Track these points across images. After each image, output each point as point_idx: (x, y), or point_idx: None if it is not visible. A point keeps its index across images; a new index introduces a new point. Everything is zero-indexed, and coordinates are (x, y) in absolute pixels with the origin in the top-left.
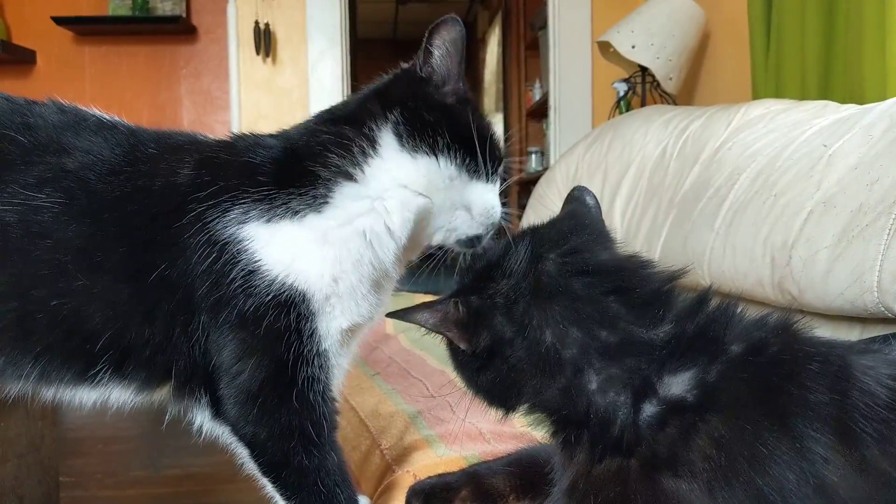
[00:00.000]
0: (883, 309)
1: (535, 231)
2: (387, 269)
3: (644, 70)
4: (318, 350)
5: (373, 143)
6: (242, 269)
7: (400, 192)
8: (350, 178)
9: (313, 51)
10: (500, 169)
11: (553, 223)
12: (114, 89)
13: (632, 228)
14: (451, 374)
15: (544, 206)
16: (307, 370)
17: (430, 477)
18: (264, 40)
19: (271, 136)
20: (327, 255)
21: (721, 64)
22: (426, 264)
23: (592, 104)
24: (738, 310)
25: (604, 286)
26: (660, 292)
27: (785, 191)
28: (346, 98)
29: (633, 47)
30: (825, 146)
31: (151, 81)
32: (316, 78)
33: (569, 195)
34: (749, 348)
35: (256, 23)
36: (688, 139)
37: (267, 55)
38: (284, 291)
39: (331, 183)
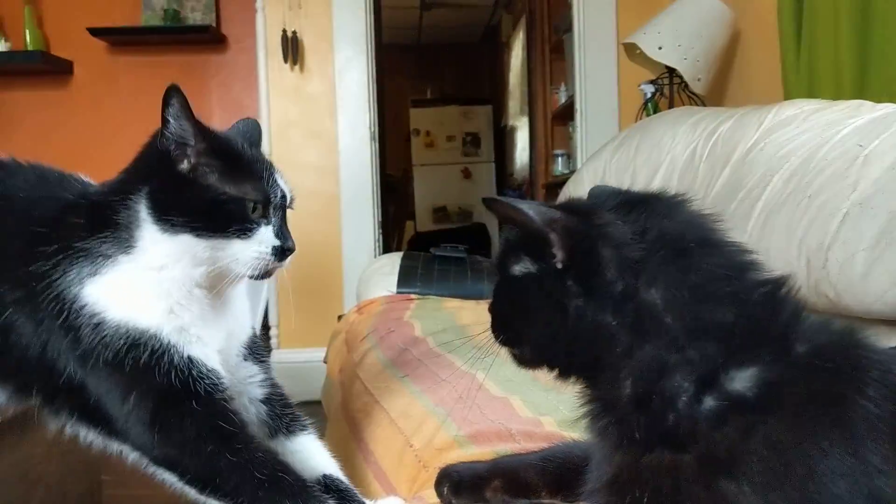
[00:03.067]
0: None
1: (684, 197)
2: (209, 300)
3: (671, 71)
4: (207, 368)
5: (136, 218)
6: (89, 324)
7: (171, 260)
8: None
9: (340, 58)
10: (276, 204)
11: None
12: (147, 98)
13: None
14: (481, 376)
15: None
16: (205, 382)
17: (461, 462)
18: (292, 48)
19: (90, 189)
20: (151, 292)
21: (751, 64)
22: (452, 269)
23: (619, 106)
24: (805, 310)
25: (720, 261)
26: (758, 283)
27: (820, 192)
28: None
29: (660, 48)
30: (861, 146)
31: (183, 90)
32: (343, 85)
33: None
34: (812, 350)
35: (284, 31)
36: (718, 141)
37: (295, 63)
38: (131, 333)
39: (130, 230)
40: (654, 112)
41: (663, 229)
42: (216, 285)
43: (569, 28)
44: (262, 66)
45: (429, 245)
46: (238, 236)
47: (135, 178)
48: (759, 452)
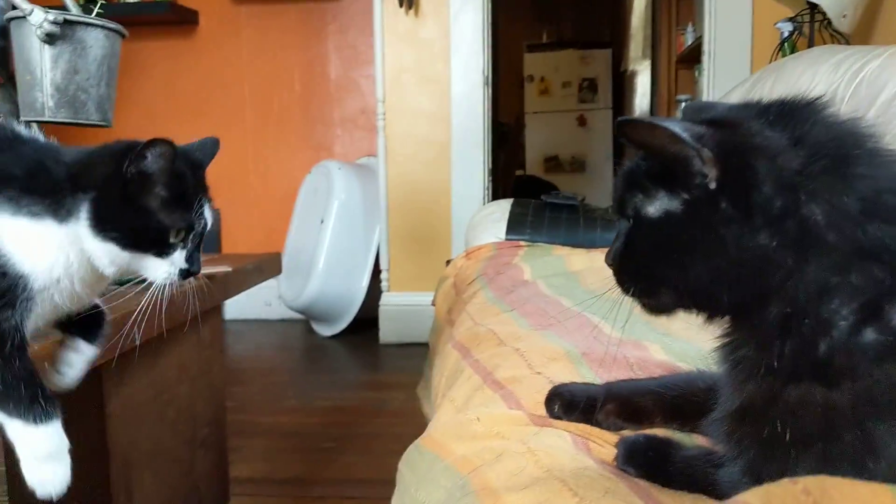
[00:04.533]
0: None
1: (827, 102)
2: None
3: (813, 7)
4: (27, 316)
5: (76, 211)
6: None
7: (93, 253)
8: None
9: (455, 1)
10: (197, 232)
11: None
12: (267, 46)
13: None
14: (593, 317)
15: None
16: (14, 317)
17: (574, 382)
18: None
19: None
20: (59, 258)
21: None
22: (564, 216)
23: (751, 47)
24: None
25: (886, 172)
26: None
27: None
28: (96, 148)
29: None
30: None
31: (301, 38)
32: (457, 28)
33: None
34: None
35: None
36: (862, 81)
37: (409, 7)
38: (9, 269)
39: (69, 214)
40: (792, 53)
41: (818, 136)
42: (121, 276)
43: None
44: (378, 12)
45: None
46: (156, 255)
47: (86, 179)
48: None
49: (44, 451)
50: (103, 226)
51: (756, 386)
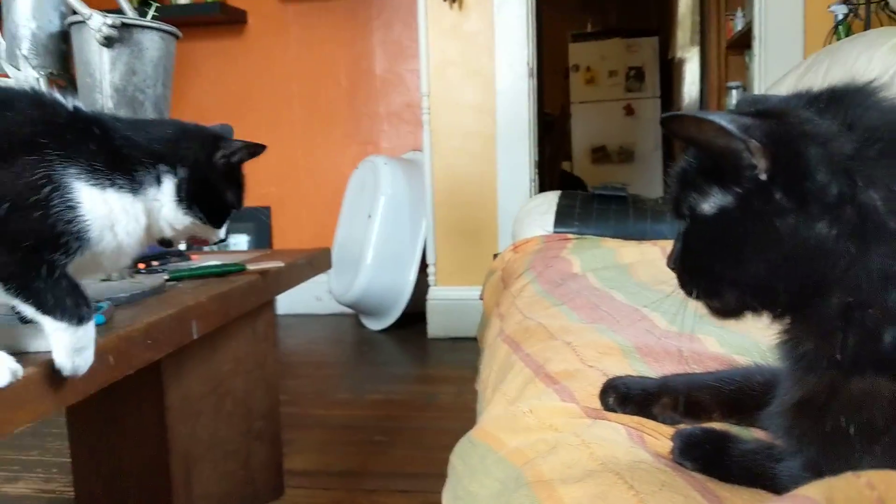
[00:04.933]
0: None
1: (879, 84)
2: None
3: None
4: (72, 258)
5: (154, 183)
6: (62, 204)
7: (170, 222)
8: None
9: None
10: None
11: None
12: (314, 43)
13: None
14: (644, 310)
15: None
16: (63, 256)
17: (629, 376)
18: None
19: (114, 120)
20: (130, 227)
21: None
22: (612, 208)
23: (804, 31)
24: None
25: None
26: None
27: None
28: (166, 121)
29: None
30: None
31: (347, 34)
32: (501, 21)
33: None
34: None
35: None
36: None
37: (453, 1)
38: (84, 234)
39: (147, 184)
40: (846, 36)
41: (871, 120)
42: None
43: None
44: (422, 6)
45: None
46: (214, 226)
47: (172, 158)
48: None
49: (82, 345)
50: (191, 202)
51: (818, 379)
